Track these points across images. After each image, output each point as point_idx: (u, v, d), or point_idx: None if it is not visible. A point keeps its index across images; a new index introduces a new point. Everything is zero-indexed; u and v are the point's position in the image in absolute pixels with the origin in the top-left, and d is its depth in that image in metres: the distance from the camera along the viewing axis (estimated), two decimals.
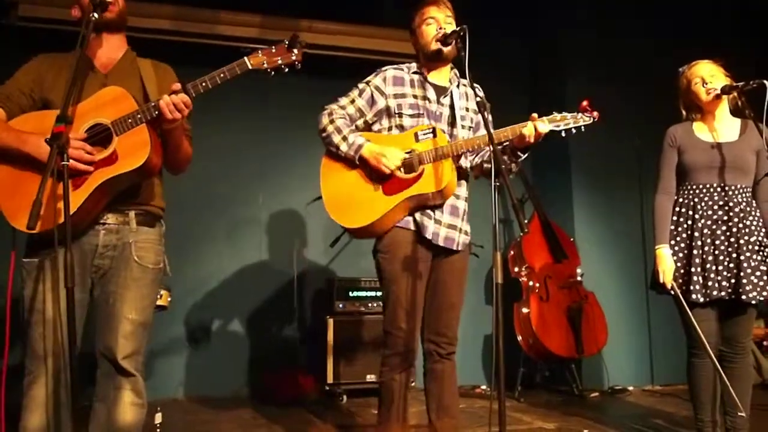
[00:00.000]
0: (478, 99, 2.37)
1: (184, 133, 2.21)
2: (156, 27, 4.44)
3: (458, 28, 2.41)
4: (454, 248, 2.58)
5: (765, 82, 2.60)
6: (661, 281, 2.83)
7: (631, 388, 4.91)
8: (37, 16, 4.19)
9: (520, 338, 4.63)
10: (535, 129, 2.42)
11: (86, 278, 2.11)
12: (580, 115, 2.49)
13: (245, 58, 2.06)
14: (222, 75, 2.04)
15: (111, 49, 2.22)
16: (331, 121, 2.54)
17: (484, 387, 4.97)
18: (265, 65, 2.06)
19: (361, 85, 2.65)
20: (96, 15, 2.03)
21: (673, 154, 2.94)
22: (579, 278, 4.81)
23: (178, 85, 2.02)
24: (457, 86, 2.66)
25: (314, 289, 4.98)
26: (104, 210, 2.09)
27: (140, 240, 2.16)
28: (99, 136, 2.01)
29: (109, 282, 2.12)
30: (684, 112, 3.00)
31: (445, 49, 2.54)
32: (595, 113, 2.48)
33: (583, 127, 2.50)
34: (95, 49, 2.20)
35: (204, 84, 2.03)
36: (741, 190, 2.84)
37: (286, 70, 2.09)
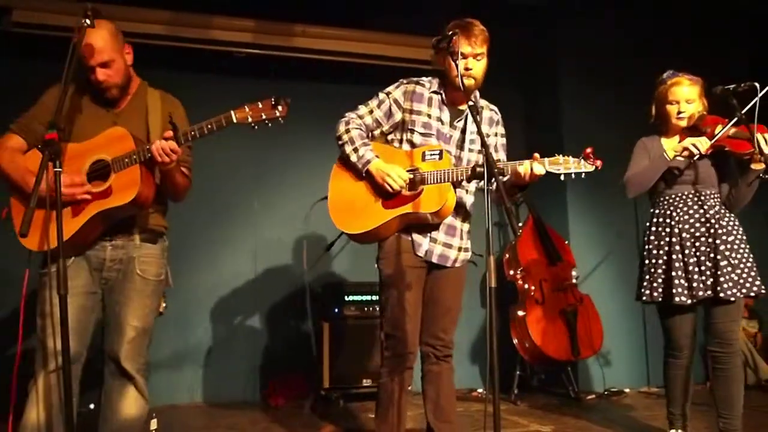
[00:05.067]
0: (471, 103, 2.38)
1: (180, 169, 2.38)
2: (151, 32, 4.44)
3: (450, 33, 2.41)
4: (449, 265, 2.64)
5: (756, 84, 2.68)
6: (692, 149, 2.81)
7: (627, 390, 4.91)
8: (32, 22, 4.19)
9: (516, 341, 4.63)
10: (532, 170, 2.41)
11: (96, 288, 2.33)
12: (582, 161, 2.45)
13: (231, 111, 2.21)
14: (209, 126, 2.21)
15: (125, 90, 2.38)
16: (347, 131, 2.59)
17: (480, 390, 4.97)
18: (250, 120, 2.22)
19: (381, 96, 2.68)
20: (88, 21, 2.10)
21: (644, 158, 3.06)
22: (574, 281, 4.82)
23: (169, 133, 2.19)
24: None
25: (310, 294, 4.98)
26: (106, 232, 2.30)
27: (143, 255, 2.36)
28: (100, 171, 2.23)
29: (114, 292, 2.34)
30: (653, 117, 3.11)
31: (466, 84, 2.49)
32: (598, 162, 2.46)
33: (583, 174, 2.47)
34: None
35: (192, 133, 2.22)
36: (710, 196, 2.98)
37: (269, 124, 2.23)
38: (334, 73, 4.95)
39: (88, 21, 2.09)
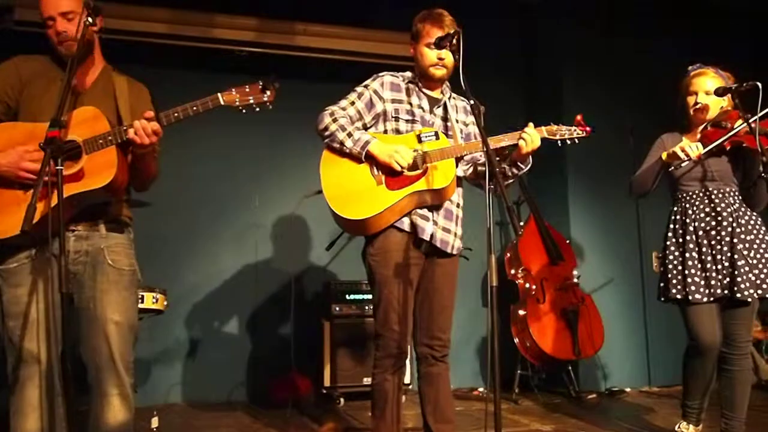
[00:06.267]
0: (472, 102, 2.37)
1: (154, 155, 2.25)
2: (151, 31, 4.44)
3: (452, 31, 2.42)
4: (449, 251, 2.61)
5: (758, 83, 2.64)
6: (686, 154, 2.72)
7: (628, 389, 4.91)
8: (34, 20, 4.17)
9: (517, 340, 4.63)
10: (531, 138, 2.48)
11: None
12: (574, 128, 2.60)
13: (218, 94, 2.12)
14: (194, 108, 2.09)
15: (88, 67, 2.25)
16: (334, 120, 2.55)
17: (481, 389, 4.97)
18: (237, 103, 2.13)
19: (359, 89, 2.66)
20: (90, 20, 2.06)
21: (659, 154, 2.96)
22: (575, 280, 4.82)
23: (151, 113, 2.06)
24: (449, 98, 2.71)
25: (311, 292, 4.98)
26: (71, 220, 2.12)
27: (112, 245, 2.20)
28: (69, 152, 2.03)
29: (85, 287, 2.15)
30: (679, 110, 3.03)
31: (438, 74, 2.59)
32: (588, 128, 2.59)
33: (576, 140, 2.60)
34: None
35: (176, 114, 2.09)
36: (729, 194, 2.90)
37: (257, 109, 2.16)
38: (335, 71, 4.95)
39: (90, 19, 2.07)
